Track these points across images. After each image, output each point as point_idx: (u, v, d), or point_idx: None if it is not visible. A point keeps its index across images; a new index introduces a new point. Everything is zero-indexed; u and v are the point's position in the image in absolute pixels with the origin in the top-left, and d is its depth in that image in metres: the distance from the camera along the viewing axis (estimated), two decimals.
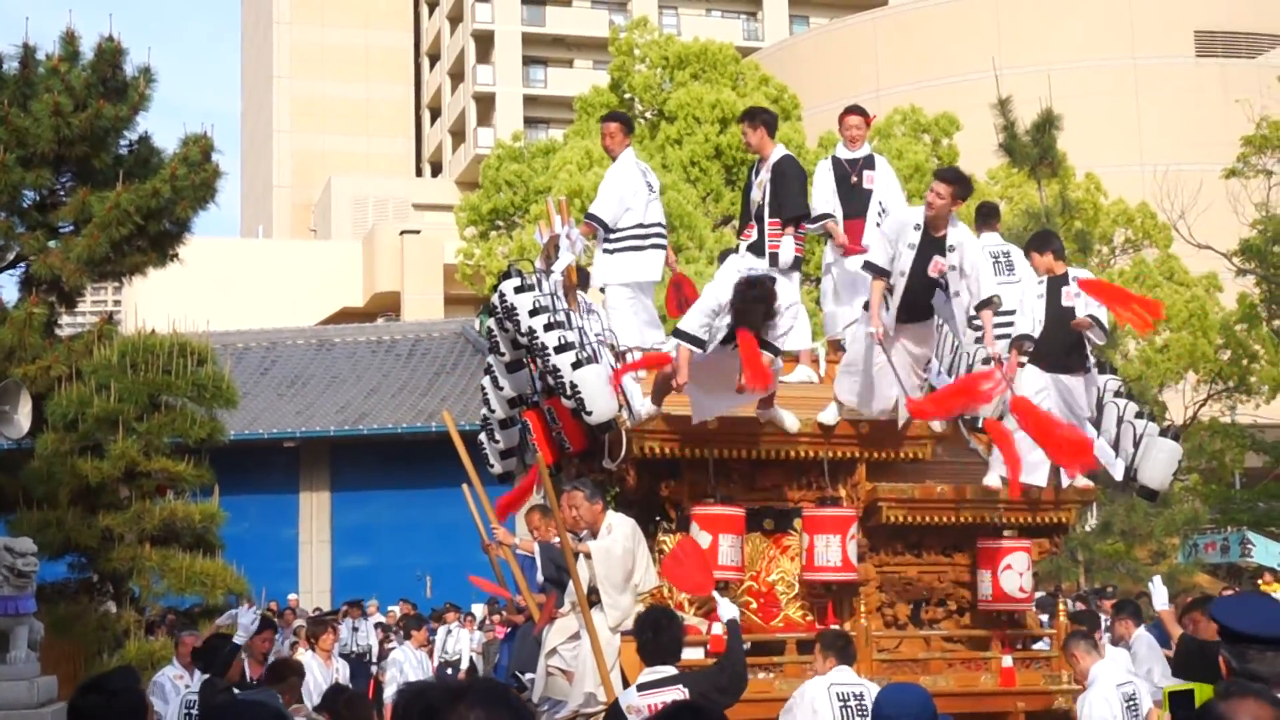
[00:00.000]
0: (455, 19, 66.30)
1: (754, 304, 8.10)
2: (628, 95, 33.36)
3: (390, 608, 24.68)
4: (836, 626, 8.99)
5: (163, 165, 15.35)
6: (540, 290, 9.00)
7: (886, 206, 9.93)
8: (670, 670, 6.95)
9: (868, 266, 9.10)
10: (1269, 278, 29.12)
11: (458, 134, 65.94)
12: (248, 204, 76.84)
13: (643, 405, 8.78)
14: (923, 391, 9.28)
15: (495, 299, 9.37)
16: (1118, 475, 9.73)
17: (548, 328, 8.67)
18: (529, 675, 9.23)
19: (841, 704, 7.81)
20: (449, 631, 20.80)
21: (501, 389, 10.01)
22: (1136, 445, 9.62)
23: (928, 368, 9.39)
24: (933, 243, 8.84)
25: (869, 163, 10.31)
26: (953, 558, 9.68)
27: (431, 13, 69.93)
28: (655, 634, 7.01)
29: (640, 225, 10.02)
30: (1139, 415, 9.78)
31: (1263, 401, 31.67)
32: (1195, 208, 28.55)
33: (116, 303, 62.72)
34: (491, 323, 9.69)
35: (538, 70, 64.23)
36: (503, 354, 9.77)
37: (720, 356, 8.38)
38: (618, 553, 8.73)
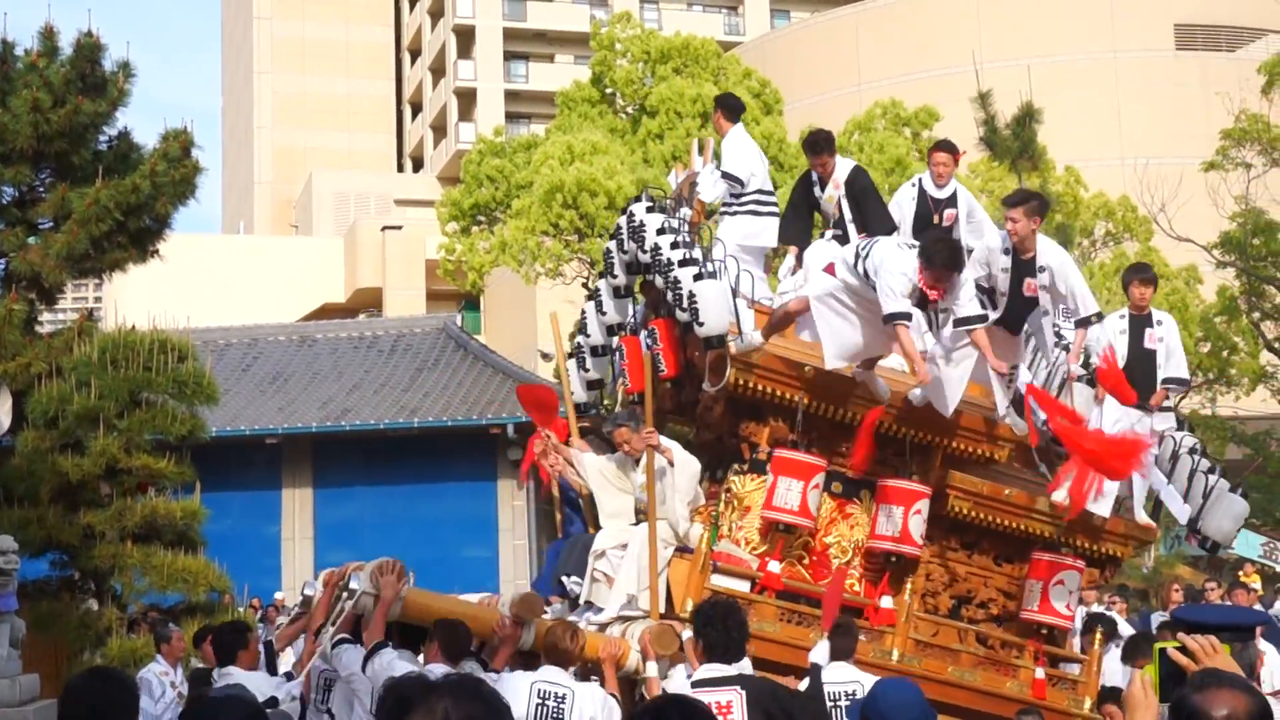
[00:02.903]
0: (436, 14, 66.20)
1: (940, 252, 8.39)
2: (609, 90, 33.32)
3: None
4: (886, 599, 9.12)
5: (142, 161, 15.29)
6: (669, 215, 9.37)
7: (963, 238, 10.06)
8: (731, 670, 6.48)
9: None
10: (1248, 270, 29.23)
11: (439, 129, 65.83)
12: (229, 200, 76.63)
13: (753, 334, 8.95)
14: (1006, 400, 9.38)
15: (622, 220, 9.73)
16: (1183, 519, 9.88)
17: (673, 246, 8.97)
18: (574, 579, 9.27)
19: (832, 704, 7.85)
20: None
21: (604, 314, 10.25)
22: (1205, 497, 9.78)
23: (1014, 378, 9.45)
24: (1022, 265, 9.05)
25: (952, 201, 10.33)
26: (1002, 567, 9.74)
27: (412, 8, 69.80)
28: (715, 628, 6.64)
29: (761, 191, 10.31)
30: (1211, 471, 9.94)
31: (1243, 394, 31.76)
32: (1175, 200, 28.61)
33: (97, 299, 62.57)
34: (611, 245, 9.97)
35: (519, 65, 64.17)
36: (615, 277, 10.04)
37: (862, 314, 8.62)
38: (697, 467, 9.00)
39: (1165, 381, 9.90)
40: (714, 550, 8.92)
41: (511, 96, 63.32)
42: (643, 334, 9.71)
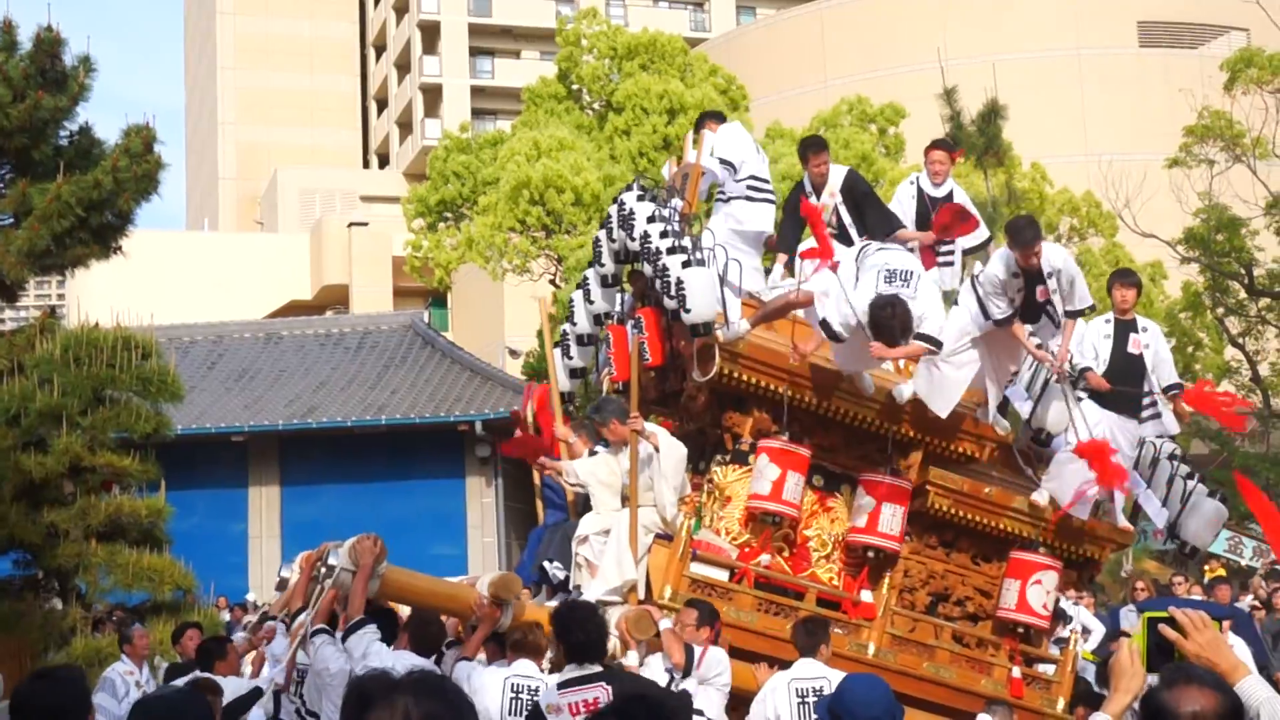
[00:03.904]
0: (401, 10, 65.95)
1: (889, 323, 8.35)
2: (575, 86, 33.27)
3: None
4: (865, 593, 9.13)
5: (104, 157, 15.16)
6: (659, 204, 9.43)
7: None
8: (596, 668, 6.74)
9: (1002, 322, 9.30)
10: (1212, 266, 29.41)
11: (405, 125, 65.62)
12: (193, 197, 76.19)
13: (739, 323, 8.95)
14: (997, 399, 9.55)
15: (613, 208, 9.79)
16: (1161, 525, 9.94)
17: (663, 234, 9.02)
18: (556, 564, 9.26)
19: (800, 700, 7.84)
20: None
21: (592, 303, 10.29)
22: (1183, 503, 9.87)
23: (1013, 382, 9.53)
24: (1033, 276, 9.20)
25: (949, 199, 10.47)
26: (980, 566, 9.77)
27: (377, 3, 69.55)
28: (576, 632, 6.78)
29: (754, 178, 10.30)
30: (1189, 476, 10.03)
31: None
32: (1140, 197, 28.78)
33: (60, 296, 62.11)
34: (601, 234, 10.02)
35: (485, 61, 64.01)
36: (603, 265, 10.08)
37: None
38: (682, 452, 8.97)
39: (1166, 390, 9.98)
40: (694, 538, 8.93)
41: (477, 92, 63.17)
42: (629, 323, 9.70)
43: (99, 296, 27.51)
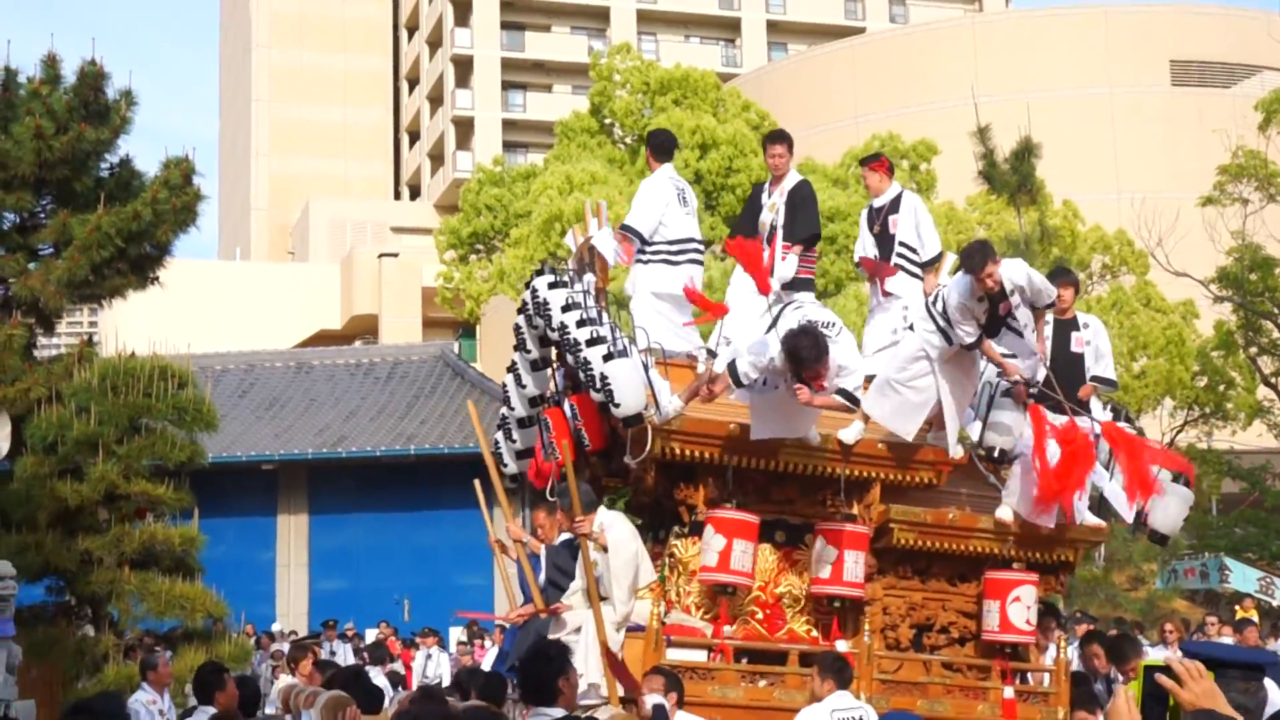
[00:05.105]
0: (434, 43, 66.41)
1: (802, 352, 8.20)
2: (608, 120, 33.44)
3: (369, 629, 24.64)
4: (841, 643, 9.04)
5: (143, 188, 15.30)
6: (573, 288, 9.13)
7: (908, 244, 10.18)
8: (558, 712, 6.45)
9: (972, 345, 9.20)
10: (1245, 305, 29.32)
11: (436, 158, 65.97)
12: (226, 226, 76.71)
13: (669, 403, 8.75)
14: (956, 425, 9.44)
15: (527, 295, 9.48)
16: (1128, 518, 9.83)
17: (580, 324, 8.73)
18: None
19: None
20: (428, 655, 20.74)
21: (524, 387, 10.07)
22: None
23: (974, 402, 9.49)
24: (993, 296, 9.10)
25: (894, 207, 10.37)
26: (958, 587, 9.67)
27: (411, 37, 70.04)
28: (532, 669, 6.51)
29: (678, 240, 10.02)
30: None
31: (1239, 428, 31.82)
32: (1172, 235, 28.74)
33: (92, 324, 62.51)
34: (521, 320, 9.76)
35: (517, 95, 64.35)
36: (529, 351, 9.87)
37: (784, 395, 8.51)
38: (634, 549, 8.70)
39: (1093, 379, 9.88)
40: (665, 624, 8.75)
41: (509, 126, 63.50)
42: (566, 404, 9.44)
43: (132, 324, 27.67)
